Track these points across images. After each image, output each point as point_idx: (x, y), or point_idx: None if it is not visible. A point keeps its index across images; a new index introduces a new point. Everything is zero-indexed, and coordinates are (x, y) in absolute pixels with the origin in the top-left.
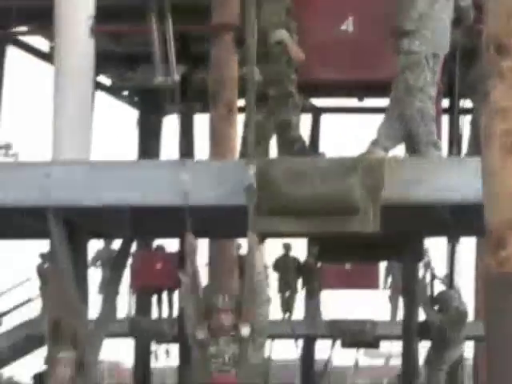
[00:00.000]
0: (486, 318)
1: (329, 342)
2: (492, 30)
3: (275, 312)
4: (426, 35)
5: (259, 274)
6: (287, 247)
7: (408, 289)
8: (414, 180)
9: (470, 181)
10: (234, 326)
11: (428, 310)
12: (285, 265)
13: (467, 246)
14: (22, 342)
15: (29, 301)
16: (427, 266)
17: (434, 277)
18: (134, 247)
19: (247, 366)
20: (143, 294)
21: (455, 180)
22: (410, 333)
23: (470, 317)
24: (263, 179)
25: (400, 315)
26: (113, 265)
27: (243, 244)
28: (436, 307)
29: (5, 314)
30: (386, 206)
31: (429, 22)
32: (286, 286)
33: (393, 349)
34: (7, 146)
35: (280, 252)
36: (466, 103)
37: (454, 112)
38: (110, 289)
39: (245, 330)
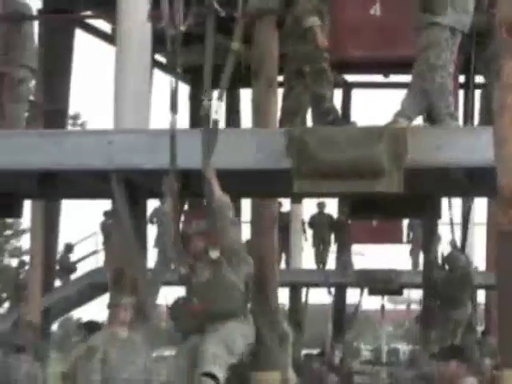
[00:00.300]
0: (498, 269)
1: (358, 289)
2: (504, 13)
3: (311, 263)
4: (448, 11)
5: (219, 200)
6: (321, 206)
7: (427, 243)
8: (433, 146)
9: (482, 147)
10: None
11: (436, 268)
12: (319, 222)
13: (480, 206)
14: (87, 289)
15: (94, 253)
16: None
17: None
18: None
19: (222, 286)
20: None
21: (470, 146)
22: (428, 282)
23: (482, 268)
24: (300, 146)
25: (420, 266)
26: (167, 220)
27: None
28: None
29: (75, 263)
30: (409, 169)
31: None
32: (320, 241)
33: (413, 295)
34: (76, 116)
35: (314, 210)
36: (480, 79)
37: (469, 87)
38: (166, 240)
39: (213, 253)
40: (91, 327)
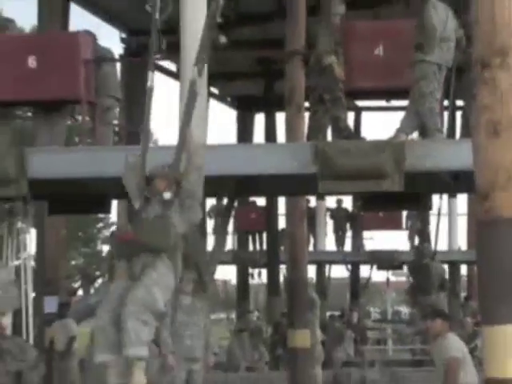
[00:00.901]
0: (477, 249)
1: (368, 265)
2: (478, 52)
3: (332, 246)
4: (435, 51)
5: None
6: (339, 201)
7: (421, 229)
8: (425, 155)
9: (463, 155)
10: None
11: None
12: (338, 214)
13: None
14: None
15: None
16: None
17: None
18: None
19: (161, 223)
20: (242, 235)
21: (453, 154)
22: (420, 259)
23: (464, 246)
24: (323, 156)
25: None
26: (222, 215)
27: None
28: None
29: None
30: (407, 172)
31: (439, 42)
32: (339, 228)
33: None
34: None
35: (334, 205)
36: (460, 102)
37: (452, 108)
38: (220, 232)
39: (166, 195)
40: None
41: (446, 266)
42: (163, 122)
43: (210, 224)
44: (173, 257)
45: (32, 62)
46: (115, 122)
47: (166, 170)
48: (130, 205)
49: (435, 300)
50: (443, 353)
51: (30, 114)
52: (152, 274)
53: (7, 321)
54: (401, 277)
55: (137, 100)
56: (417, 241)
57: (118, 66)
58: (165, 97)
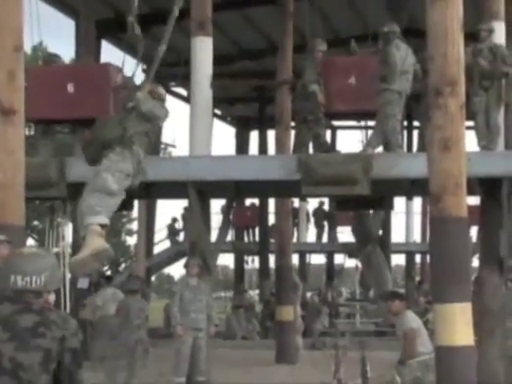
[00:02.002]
0: (430, 240)
1: (342, 254)
2: (432, 82)
3: (312, 238)
4: (396, 81)
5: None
6: (321, 202)
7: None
8: (388, 165)
9: (419, 166)
10: None
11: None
12: (319, 212)
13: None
14: (174, 255)
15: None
16: None
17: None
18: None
19: (115, 120)
20: (239, 229)
21: (411, 165)
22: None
23: (419, 239)
24: (306, 166)
25: None
26: (224, 213)
27: (295, 201)
28: None
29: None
30: (374, 179)
31: (400, 74)
32: (319, 224)
33: None
34: (166, 147)
35: (316, 205)
36: (417, 123)
37: (410, 128)
38: (222, 227)
39: (129, 104)
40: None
41: (403, 256)
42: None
43: (214, 220)
44: (127, 147)
45: (71, 87)
46: None
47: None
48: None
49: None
50: (403, 326)
51: (68, 130)
52: (104, 161)
53: (52, 298)
54: None
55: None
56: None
57: None
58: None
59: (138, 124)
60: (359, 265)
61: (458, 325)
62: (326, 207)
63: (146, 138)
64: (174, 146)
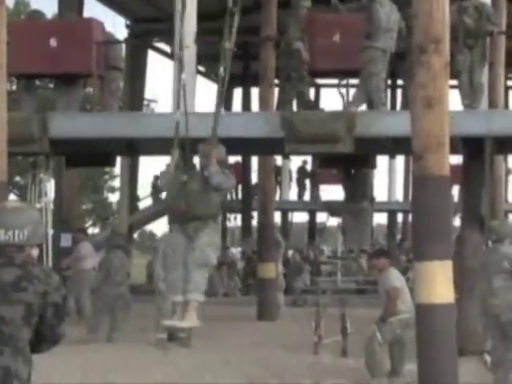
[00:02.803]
0: (412, 198)
1: (324, 213)
2: (417, 39)
3: (294, 196)
4: (381, 39)
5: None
6: (304, 162)
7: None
8: (371, 123)
9: (402, 124)
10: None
11: None
12: (302, 171)
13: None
14: (156, 212)
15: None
16: None
17: None
18: None
19: (206, 197)
20: None
21: (394, 123)
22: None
23: (401, 198)
24: (289, 123)
25: None
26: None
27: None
28: None
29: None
30: (357, 137)
31: (384, 32)
32: (301, 182)
33: None
34: (148, 104)
35: (299, 164)
36: (400, 82)
37: (394, 86)
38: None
39: (205, 173)
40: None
41: (385, 215)
42: (160, 93)
43: None
44: (216, 220)
45: (53, 42)
46: (120, 93)
47: (208, 148)
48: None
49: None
50: (385, 284)
51: (50, 85)
52: (204, 237)
53: (35, 252)
54: None
55: (137, 75)
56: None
57: (123, 47)
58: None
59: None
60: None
61: (438, 282)
62: (310, 167)
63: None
64: (155, 102)
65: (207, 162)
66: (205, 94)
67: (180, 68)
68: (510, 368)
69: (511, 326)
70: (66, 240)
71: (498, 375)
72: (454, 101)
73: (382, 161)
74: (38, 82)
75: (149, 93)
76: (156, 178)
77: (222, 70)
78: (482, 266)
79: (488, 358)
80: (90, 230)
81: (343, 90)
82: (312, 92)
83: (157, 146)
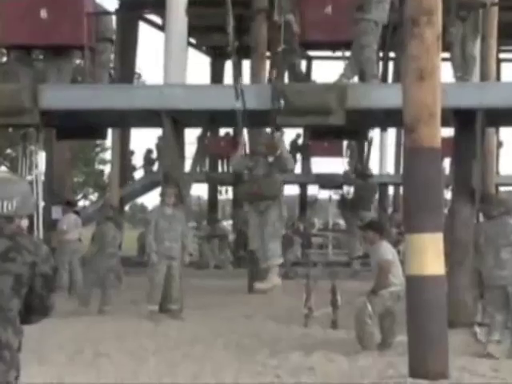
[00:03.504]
0: (404, 170)
1: (315, 186)
2: (409, 12)
3: None
4: (373, 10)
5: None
6: (298, 135)
7: (359, 156)
8: (363, 96)
9: (394, 96)
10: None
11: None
12: (294, 145)
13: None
14: (148, 185)
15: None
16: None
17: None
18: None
19: (272, 180)
20: (214, 159)
21: (386, 96)
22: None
23: (392, 171)
24: (281, 95)
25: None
26: (198, 143)
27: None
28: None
29: (139, 168)
30: (348, 109)
31: (376, 3)
32: (293, 155)
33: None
34: (139, 76)
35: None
36: (392, 54)
37: (386, 59)
38: (196, 157)
39: (270, 158)
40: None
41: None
42: (150, 65)
43: (189, 150)
44: (280, 198)
45: (44, 13)
46: (110, 65)
47: (270, 139)
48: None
49: (370, 214)
50: (377, 256)
51: (41, 57)
52: (273, 213)
53: (25, 223)
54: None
55: (128, 47)
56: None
57: (114, 18)
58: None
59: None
60: (333, 196)
61: (429, 255)
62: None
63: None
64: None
65: (271, 151)
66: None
67: None
68: (508, 335)
69: None
70: (56, 212)
71: (492, 338)
72: (446, 74)
73: (373, 133)
74: (31, 54)
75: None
76: (149, 151)
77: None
78: (488, 237)
79: (478, 330)
80: (82, 203)
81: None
82: (304, 64)
83: (148, 118)
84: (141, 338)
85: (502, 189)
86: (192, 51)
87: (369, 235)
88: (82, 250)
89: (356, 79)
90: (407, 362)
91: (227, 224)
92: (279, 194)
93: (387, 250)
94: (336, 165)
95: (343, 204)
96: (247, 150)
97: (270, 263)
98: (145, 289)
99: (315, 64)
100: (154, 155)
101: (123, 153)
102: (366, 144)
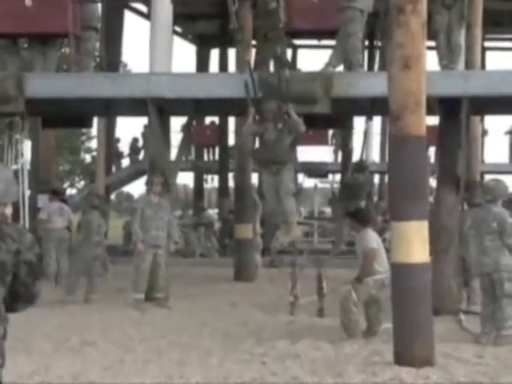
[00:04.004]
0: (390, 158)
1: (301, 174)
2: (395, 0)
3: None
4: None
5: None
6: None
7: (344, 145)
8: (349, 84)
9: (380, 85)
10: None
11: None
12: None
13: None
14: (133, 173)
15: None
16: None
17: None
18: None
19: (282, 145)
20: (199, 148)
21: (372, 84)
22: (344, 170)
23: (377, 159)
24: (266, 82)
25: (338, 160)
26: (183, 131)
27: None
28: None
29: (124, 156)
30: (334, 98)
31: None
32: None
33: (335, 178)
34: (125, 64)
35: None
36: (378, 43)
37: (372, 47)
38: (182, 145)
39: (279, 124)
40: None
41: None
42: (136, 53)
43: (175, 139)
44: (291, 161)
45: (28, 1)
46: (96, 53)
47: (275, 106)
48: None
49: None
50: (363, 244)
51: (26, 45)
52: (285, 175)
53: (9, 211)
54: (326, 183)
55: (113, 35)
56: (340, 155)
57: (99, 6)
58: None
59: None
60: (318, 184)
61: (415, 242)
62: None
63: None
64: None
65: (278, 117)
66: (182, 56)
67: None
68: (497, 325)
69: (500, 285)
70: (42, 201)
71: (485, 330)
72: (432, 62)
73: (358, 122)
74: (17, 43)
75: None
76: (135, 140)
77: None
78: (472, 224)
79: (463, 317)
80: (69, 191)
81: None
82: (289, 53)
83: (133, 107)
84: (127, 326)
85: (487, 177)
86: (177, 40)
87: (354, 223)
88: (68, 238)
89: (341, 68)
90: (392, 349)
91: (213, 212)
92: (291, 158)
93: (372, 239)
94: (321, 153)
95: (335, 198)
96: (256, 118)
97: (290, 220)
98: (131, 277)
99: (300, 53)
100: (140, 144)
101: (109, 141)
102: (354, 133)
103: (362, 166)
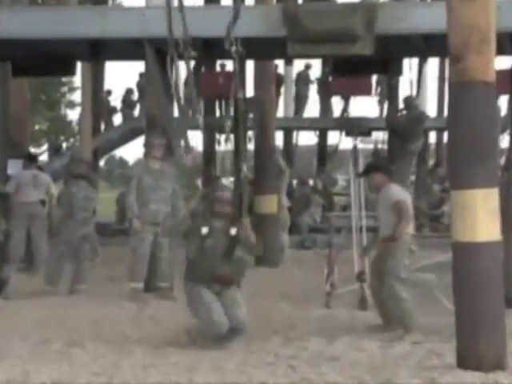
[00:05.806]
0: (449, 110)
1: (337, 132)
2: None
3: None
4: None
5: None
6: (307, 66)
7: (391, 95)
8: (397, 17)
9: (436, 17)
10: None
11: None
12: (305, 78)
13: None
14: (127, 133)
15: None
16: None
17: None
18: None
19: (238, 263)
20: (210, 100)
21: (426, 16)
22: (389, 126)
23: (434, 113)
24: (292, 18)
25: (384, 114)
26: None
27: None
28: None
29: (117, 111)
30: (379, 35)
31: None
32: (303, 94)
33: (379, 137)
34: None
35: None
36: None
37: None
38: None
39: (232, 231)
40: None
41: None
42: None
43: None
44: None
45: None
46: None
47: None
48: None
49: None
50: (390, 198)
51: None
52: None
53: None
54: (368, 144)
55: None
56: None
57: None
58: None
59: None
60: (359, 145)
61: (481, 216)
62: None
63: None
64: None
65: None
66: None
67: None
68: None
69: None
70: (14, 166)
71: None
72: None
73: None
74: None
75: None
76: (129, 91)
77: None
78: None
79: None
80: (45, 156)
81: None
82: None
83: (126, 49)
84: (122, 323)
85: None
86: None
87: (376, 178)
88: (45, 215)
89: None
90: (454, 349)
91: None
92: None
93: (400, 191)
94: (363, 105)
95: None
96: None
97: None
98: (126, 263)
99: None
100: (135, 96)
101: (96, 93)
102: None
103: (411, 100)
